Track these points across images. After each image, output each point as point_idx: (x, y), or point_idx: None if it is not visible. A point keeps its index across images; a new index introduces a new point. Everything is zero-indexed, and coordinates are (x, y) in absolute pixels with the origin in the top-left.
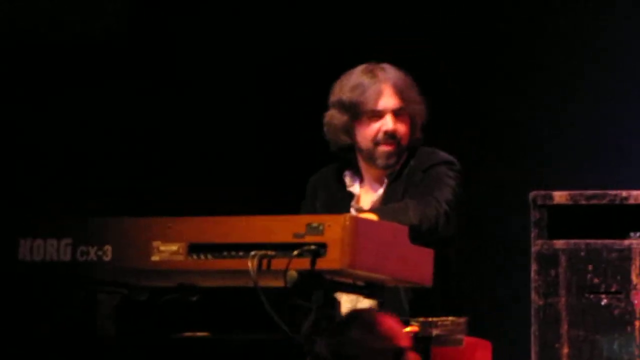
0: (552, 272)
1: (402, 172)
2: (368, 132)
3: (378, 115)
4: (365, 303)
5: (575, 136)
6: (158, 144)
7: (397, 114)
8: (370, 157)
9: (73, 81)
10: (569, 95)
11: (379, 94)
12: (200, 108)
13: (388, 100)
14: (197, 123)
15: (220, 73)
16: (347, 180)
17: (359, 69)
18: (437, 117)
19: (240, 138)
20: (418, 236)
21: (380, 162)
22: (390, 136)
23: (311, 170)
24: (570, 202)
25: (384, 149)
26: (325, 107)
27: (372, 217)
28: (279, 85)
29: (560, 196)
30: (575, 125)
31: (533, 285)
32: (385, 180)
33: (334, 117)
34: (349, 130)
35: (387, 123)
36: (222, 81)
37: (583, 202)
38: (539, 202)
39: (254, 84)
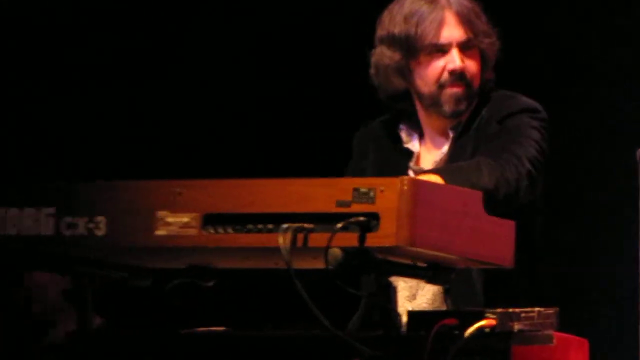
0: None
1: (472, 123)
2: (430, 73)
3: (441, 50)
4: (427, 290)
5: None
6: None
7: (464, 48)
8: (435, 104)
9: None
10: None
11: (440, 24)
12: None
13: (453, 31)
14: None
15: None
16: (404, 135)
17: None
18: (521, 55)
19: (274, 102)
20: (495, 204)
21: (448, 107)
22: (459, 76)
23: (355, 126)
24: None
25: (452, 90)
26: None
27: (437, 179)
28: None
29: None
30: None
31: None
32: (451, 134)
33: (383, 55)
34: (404, 72)
35: (454, 59)
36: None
37: None
38: None
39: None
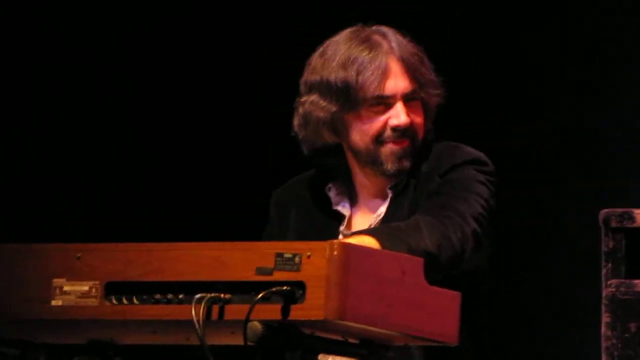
0: (632, 326)
1: (411, 179)
2: (369, 128)
3: (384, 103)
4: None
5: None
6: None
7: (407, 99)
8: (373, 161)
9: None
10: None
11: (385, 73)
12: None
13: (398, 82)
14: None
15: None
16: (332, 196)
17: (348, 35)
18: (469, 103)
19: (174, 137)
20: (437, 268)
21: (390, 166)
22: (403, 132)
23: (275, 182)
24: None
25: (393, 147)
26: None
27: (371, 242)
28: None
29: None
30: None
31: (604, 344)
32: (390, 194)
33: (316, 106)
34: (338, 126)
35: (399, 114)
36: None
37: None
38: (614, 224)
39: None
